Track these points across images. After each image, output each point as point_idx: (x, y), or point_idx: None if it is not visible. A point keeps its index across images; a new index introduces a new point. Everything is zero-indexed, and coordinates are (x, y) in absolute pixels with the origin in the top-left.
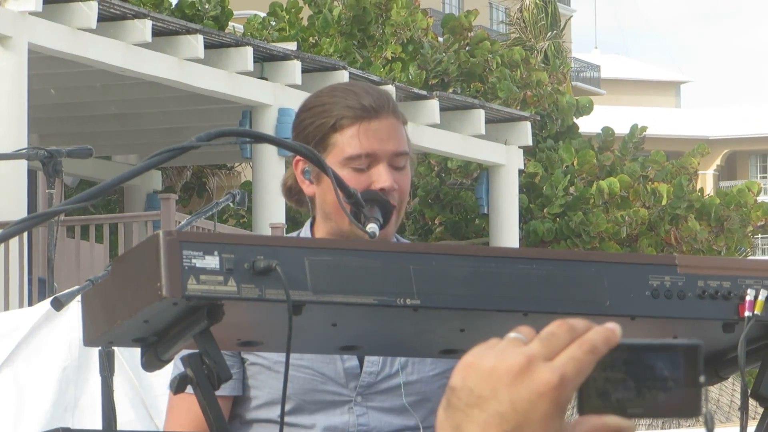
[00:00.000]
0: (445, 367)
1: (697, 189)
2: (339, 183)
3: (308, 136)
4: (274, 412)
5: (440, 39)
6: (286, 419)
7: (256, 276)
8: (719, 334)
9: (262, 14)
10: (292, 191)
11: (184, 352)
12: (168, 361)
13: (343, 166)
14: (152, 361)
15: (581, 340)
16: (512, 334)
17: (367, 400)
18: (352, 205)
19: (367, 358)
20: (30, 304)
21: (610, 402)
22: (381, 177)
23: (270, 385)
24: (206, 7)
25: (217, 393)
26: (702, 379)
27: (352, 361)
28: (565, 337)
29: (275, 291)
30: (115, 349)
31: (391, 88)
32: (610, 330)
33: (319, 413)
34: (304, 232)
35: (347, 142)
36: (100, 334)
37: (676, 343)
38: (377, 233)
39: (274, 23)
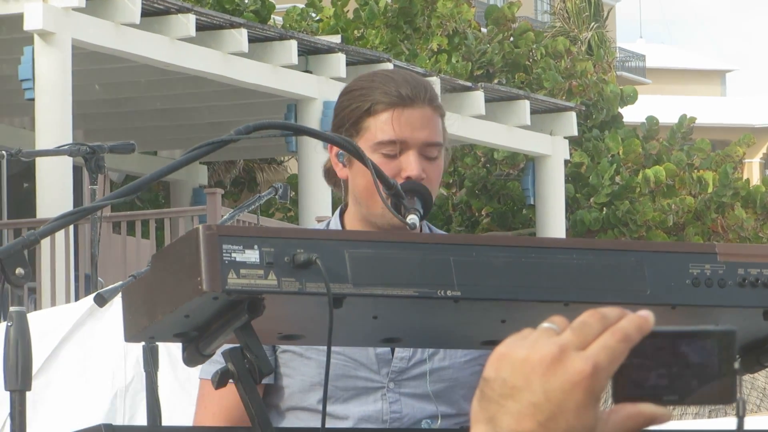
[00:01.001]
0: (477, 354)
1: (743, 178)
2: (379, 174)
3: (344, 119)
4: (308, 400)
5: (483, 30)
6: (319, 407)
7: (296, 269)
8: (760, 321)
9: (301, 5)
10: (330, 174)
11: (226, 346)
12: (209, 356)
13: (374, 151)
14: (193, 356)
15: (614, 329)
16: (545, 324)
17: (400, 386)
18: (392, 196)
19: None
20: (76, 300)
21: (644, 390)
22: (410, 165)
23: (302, 372)
24: (246, 1)
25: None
26: (736, 365)
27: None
28: (598, 326)
29: (315, 284)
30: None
31: (436, 80)
32: (643, 318)
33: (352, 401)
34: (334, 219)
35: (380, 127)
36: (141, 329)
37: (710, 329)
38: (417, 224)
39: (313, 14)
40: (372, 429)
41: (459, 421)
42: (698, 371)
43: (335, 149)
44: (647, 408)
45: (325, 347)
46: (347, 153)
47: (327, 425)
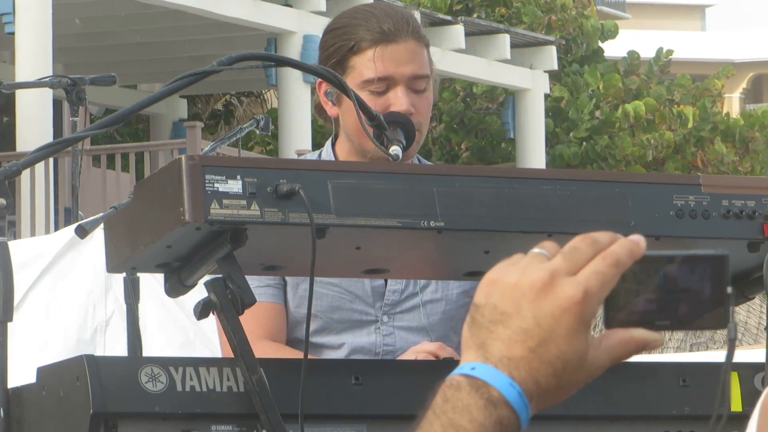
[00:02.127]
0: (469, 286)
1: (723, 112)
2: (361, 105)
3: (329, 58)
4: (298, 332)
5: None
6: (314, 339)
7: (279, 200)
8: (744, 253)
9: None
10: (321, 109)
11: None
12: (192, 287)
13: (361, 89)
14: (176, 286)
15: (605, 254)
16: (535, 250)
17: (393, 319)
18: (374, 127)
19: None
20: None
21: (636, 315)
22: (398, 100)
23: (295, 304)
24: None
25: (265, 300)
26: (729, 290)
27: (379, 280)
28: (589, 251)
29: (298, 214)
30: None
31: (416, 14)
32: (634, 242)
33: (346, 333)
34: (326, 151)
35: (365, 65)
36: (123, 259)
37: (703, 253)
38: (400, 155)
39: None
40: (353, 360)
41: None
42: (690, 296)
43: (324, 87)
44: (639, 333)
45: (322, 281)
46: (331, 84)
47: (322, 356)
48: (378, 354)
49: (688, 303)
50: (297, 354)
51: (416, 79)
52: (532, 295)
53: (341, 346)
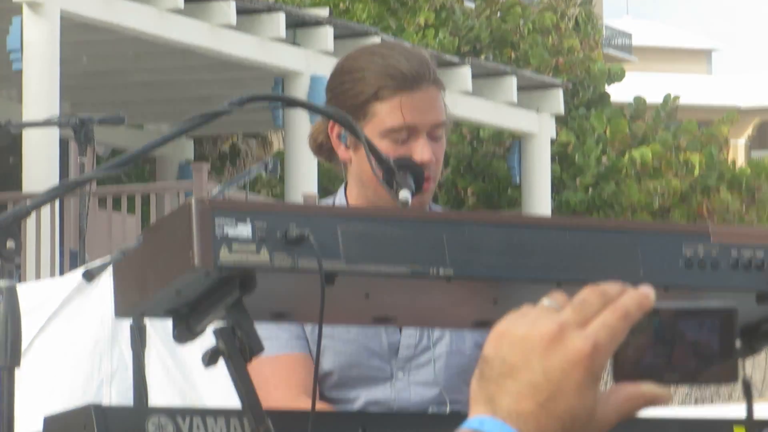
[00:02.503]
0: (483, 338)
1: (729, 158)
2: (372, 149)
3: (346, 101)
4: (321, 386)
5: (470, 5)
6: (330, 394)
7: (288, 245)
8: (753, 305)
9: None
10: (322, 147)
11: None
12: (200, 333)
13: (383, 137)
14: (184, 333)
15: (614, 306)
16: (545, 302)
17: (408, 374)
18: (384, 171)
19: (404, 332)
20: (61, 275)
21: (645, 369)
22: (421, 150)
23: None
24: None
25: (298, 351)
26: (738, 343)
27: (394, 335)
28: (598, 303)
29: (308, 260)
30: (147, 322)
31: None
32: (644, 295)
33: (361, 387)
34: (339, 198)
35: (388, 113)
36: (132, 305)
37: (712, 307)
38: (410, 200)
39: None
40: (361, 412)
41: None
42: (699, 349)
43: (336, 130)
44: (648, 388)
45: (342, 335)
46: (340, 125)
47: (337, 410)
48: (393, 408)
49: (696, 356)
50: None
51: (436, 127)
52: (542, 348)
53: (356, 398)
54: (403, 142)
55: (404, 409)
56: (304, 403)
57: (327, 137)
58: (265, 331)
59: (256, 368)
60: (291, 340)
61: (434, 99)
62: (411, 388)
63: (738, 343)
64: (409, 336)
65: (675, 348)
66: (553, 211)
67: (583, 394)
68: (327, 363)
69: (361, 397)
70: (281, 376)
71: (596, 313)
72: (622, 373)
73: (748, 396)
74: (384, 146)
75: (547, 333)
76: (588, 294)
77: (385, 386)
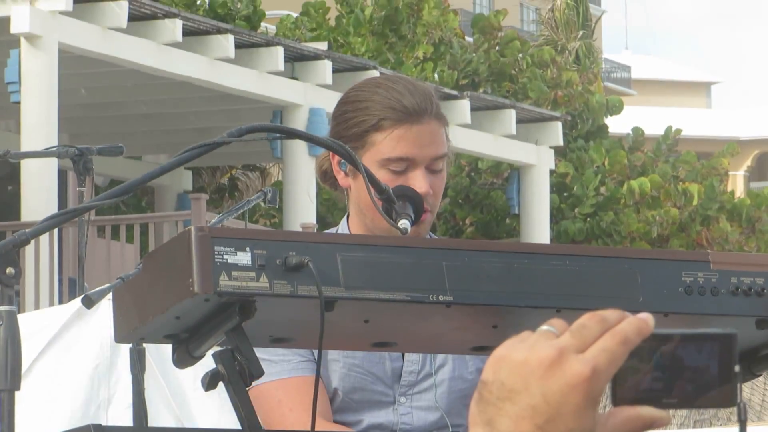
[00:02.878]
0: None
1: (728, 190)
2: (371, 179)
3: (348, 130)
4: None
5: (469, 39)
6: (335, 418)
7: (288, 272)
8: (752, 330)
9: (295, 14)
10: (327, 175)
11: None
12: (199, 358)
13: (380, 167)
14: (184, 357)
15: (613, 332)
16: (544, 327)
17: (411, 400)
18: (383, 201)
19: (407, 358)
20: (60, 304)
21: (643, 393)
22: (418, 183)
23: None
24: (238, 6)
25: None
26: (737, 368)
27: (398, 362)
28: (597, 329)
29: (307, 287)
30: (145, 347)
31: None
32: (643, 320)
33: (364, 411)
34: (342, 228)
35: (386, 144)
36: (131, 330)
37: (711, 332)
38: (409, 229)
39: (306, 23)
40: None
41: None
42: (698, 374)
43: (336, 158)
44: (646, 411)
45: (347, 359)
46: (340, 156)
47: None
48: (395, 431)
49: (695, 381)
50: None
51: (436, 160)
52: (541, 372)
53: (359, 422)
54: (401, 173)
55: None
56: (323, 426)
57: (332, 165)
58: (274, 354)
59: (268, 391)
60: (302, 363)
61: (435, 133)
62: (413, 413)
63: (737, 368)
64: (411, 362)
65: (674, 373)
66: (551, 240)
67: (581, 417)
68: (332, 386)
69: (365, 421)
70: (295, 398)
71: (595, 339)
72: (621, 397)
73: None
74: (382, 176)
75: (546, 357)
76: (587, 320)
77: (388, 410)
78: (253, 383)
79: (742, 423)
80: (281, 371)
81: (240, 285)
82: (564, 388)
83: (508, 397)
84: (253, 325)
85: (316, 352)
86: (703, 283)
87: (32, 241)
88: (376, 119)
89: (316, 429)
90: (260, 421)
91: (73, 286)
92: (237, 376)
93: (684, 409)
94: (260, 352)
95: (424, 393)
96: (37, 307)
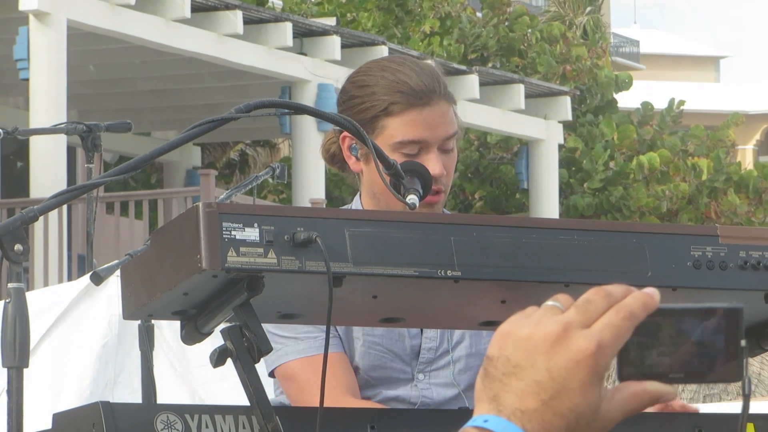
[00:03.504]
0: None
1: (737, 163)
2: (379, 154)
3: (356, 116)
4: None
5: (478, 14)
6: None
7: (296, 248)
8: (761, 305)
9: None
10: (335, 158)
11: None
12: (208, 334)
13: (393, 151)
14: (192, 333)
15: (618, 306)
16: (549, 302)
17: (429, 376)
18: (391, 176)
19: (425, 335)
20: (69, 280)
21: (649, 368)
22: (432, 164)
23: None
24: None
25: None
26: (743, 343)
27: (416, 339)
28: (602, 304)
29: (315, 263)
30: (155, 323)
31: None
32: (648, 295)
33: (382, 387)
34: (355, 205)
35: (398, 128)
36: (140, 306)
37: (717, 306)
38: (417, 204)
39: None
40: (369, 409)
41: None
42: (704, 349)
43: (347, 142)
44: (652, 386)
45: (367, 337)
46: (348, 132)
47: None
48: (415, 405)
49: (701, 356)
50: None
51: (447, 140)
52: (546, 347)
53: (378, 396)
54: (414, 156)
55: (427, 406)
56: (350, 403)
57: (339, 148)
58: (300, 332)
59: (296, 369)
60: (322, 339)
61: (444, 113)
62: (432, 389)
63: (743, 343)
64: (430, 339)
65: (679, 348)
66: (560, 215)
67: (587, 393)
68: (353, 363)
69: (382, 393)
70: (310, 381)
71: (601, 314)
72: (627, 372)
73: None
74: (395, 159)
75: (552, 332)
76: (592, 295)
77: (407, 387)
78: (281, 361)
79: (746, 397)
80: (308, 348)
81: (248, 261)
82: (569, 364)
83: (514, 372)
84: (262, 301)
85: (339, 328)
86: (712, 258)
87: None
88: (385, 104)
89: (345, 405)
90: (291, 400)
91: (82, 262)
92: (245, 352)
93: (691, 383)
94: (286, 330)
95: (441, 370)
96: (46, 284)
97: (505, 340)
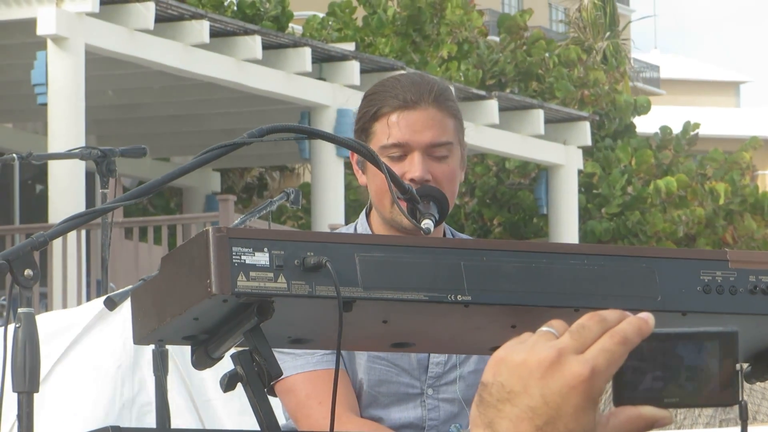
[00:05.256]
0: None
1: (754, 185)
2: (393, 179)
3: (356, 125)
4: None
5: (495, 38)
6: (363, 415)
7: (306, 272)
8: None
9: (321, 14)
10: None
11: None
12: (218, 359)
13: (381, 155)
14: (203, 358)
15: (612, 332)
16: (544, 328)
17: (437, 392)
18: (407, 200)
19: None
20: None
21: (644, 392)
22: (412, 167)
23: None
24: (267, 6)
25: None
26: (738, 367)
27: (423, 353)
28: (597, 329)
29: (325, 287)
30: (169, 348)
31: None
32: (643, 320)
33: (392, 407)
34: (360, 223)
35: (383, 131)
36: (150, 331)
37: (710, 331)
38: (432, 229)
39: (332, 23)
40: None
41: None
42: (699, 373)
43: (355, 157)
44: (648, 411)
45: (370, 354)
46: (362, 156)
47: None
48: (424, 428)
49: (697, 380)
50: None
51: (435, 146)
52: (540, 373)
53: (388, 420)
54: (399, 159)
55: (435, 428)
56: (350, 420)
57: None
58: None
59: (295, 384)
60: (326, 355)
61: (433, 119)
62: (440, 406)
63: (738, 366)
64: (438, 354)
65: (674, 372)
66: (578, 240)
67: (581, 418)
68: (357, 380)
69: (392, 416)
70: (323, 391)
71: (595, 339)
72: (622, 397)
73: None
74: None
75: (546, 358)
76: (587, 320)
77: (416, 403)
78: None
79: (744, 422)
80: (306, 364)
81: (258, 285)
82: (563, 389)
83: (508, 398)
84: (272, 326)
85: None
86: (722, 282)
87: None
88: (375, 108)
89: (346, 423)
90: (289, 415)
91: (100, 287)
92: (255, 377)
93: (686, 407)
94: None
95: (449, 385)
96: (64, 307)
97: (499, 366)
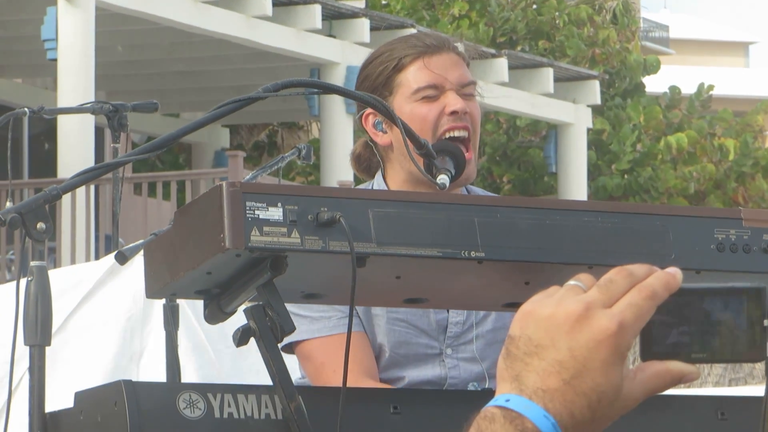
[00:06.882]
0: None
1: (766, 148)
2: (409, 133)
3: (373, 83)
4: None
5: None
6: (382, 376)
7: (319, 228)
8: None
9: None
10: (360, 159)
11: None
12: (231, 314)
13: (413, 101)
14: (215, 313)
15: (640, 286)
16: (571, 282)
17: (457, 351)
18: (423, 156)
19: (451, 309)
20: (96, 260)
21: (672, 347)
22: (452, 100)
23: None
24: None
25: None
26: (766, 323)
27: (442, 313)
28: (624, 284)
29: (339, 243)
30: (179, 303)
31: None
32: (671, 275)
33: (411, 367)
34: (377, 182)
35: (413, 76)
36: (163, 285)
37: (740, 286)
38: (448, 184)
39: None
40: (392, 389)
41: None
42: (726, 329)
43: (370, 120)
44: (675, 366)
45: (389, 314)
46: (376, 110)
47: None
48: (443, 386)
49: (724, 336)
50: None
51: (465, 85)
52: (567, 327)
53: (405, 379)
54: (434, 99)
55: (455, 386)
56: (365, 385)
57: (365, 148)
58: (315, 311)
59: (311, 352)
60: (342, 319)
61: (456, 62)
62: (460, 365)
63: (766, 323)
64: (456, 313)
65: (702, 327)
66: (589, 196)
67: (608, 372)
68: (377, 342)
69: (412, 378)
70: (336, 360)
71: (623, 293)
72: (649, 352)
73: None
74: (415, 109)
75: (573, 312)
76: (614, 274)
77: (435, 363)
78: (296, 340)
79: None
80: (322, 329)
81: (271, 240)
82: (591, 343)
83: (535, 352)
84: (285, 281)
85: (358, 307)
86: (735, 241)
87: (69, 198)
88: (396, 61)
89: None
90: (309, 380)
91: (108, 242)
92: (268, 331)
93: (713, 363)
94: (301, 309)
95: (468, 344)
96: (73, 263)
97: (527, 320)
